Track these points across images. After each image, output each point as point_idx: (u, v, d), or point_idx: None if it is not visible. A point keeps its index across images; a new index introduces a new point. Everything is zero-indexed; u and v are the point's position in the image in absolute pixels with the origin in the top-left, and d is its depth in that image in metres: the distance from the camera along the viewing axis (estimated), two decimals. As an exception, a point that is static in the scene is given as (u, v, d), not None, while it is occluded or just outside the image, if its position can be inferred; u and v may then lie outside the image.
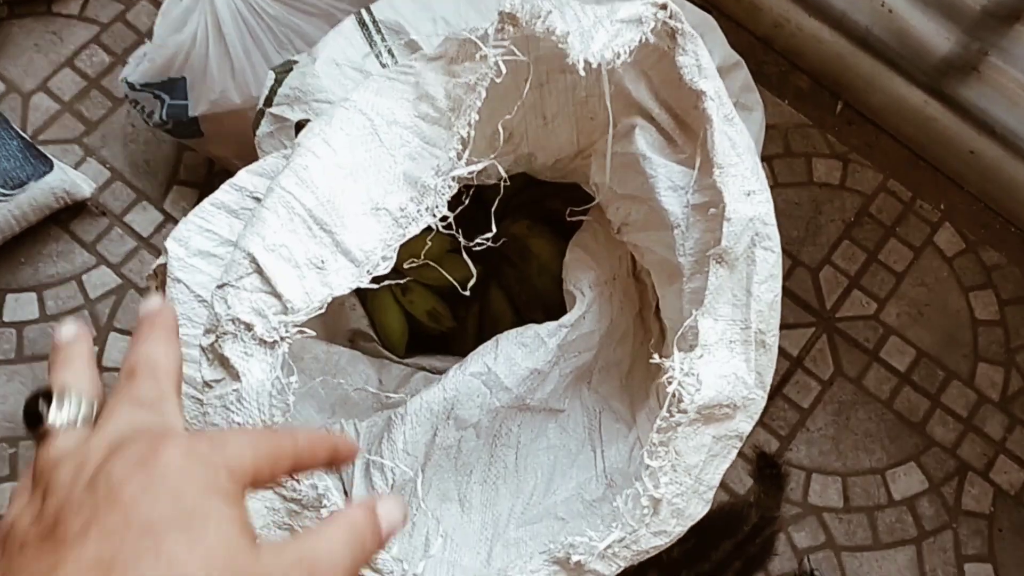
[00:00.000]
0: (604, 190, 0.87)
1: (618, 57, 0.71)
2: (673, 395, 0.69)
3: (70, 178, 1.36)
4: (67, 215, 1.39)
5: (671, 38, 0.73)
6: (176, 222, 1.38)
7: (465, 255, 0.81)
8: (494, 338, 0.87)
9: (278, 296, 0.65)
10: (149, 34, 1.32)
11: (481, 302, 1.03)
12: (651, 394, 0.87)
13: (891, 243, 1.43)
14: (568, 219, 0.93)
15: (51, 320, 1.35)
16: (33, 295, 1.36)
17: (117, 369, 1.32)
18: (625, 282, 0.92)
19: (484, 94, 0.71)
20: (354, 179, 0.71)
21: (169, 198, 1.41)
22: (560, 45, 0.69)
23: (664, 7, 0.71)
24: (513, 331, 0.86)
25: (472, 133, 0.72)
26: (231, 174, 1.42)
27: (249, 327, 0.64)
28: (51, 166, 1.34)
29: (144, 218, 1.40)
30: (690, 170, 0.78)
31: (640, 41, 0.72)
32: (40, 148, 1.36)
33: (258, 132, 0.99)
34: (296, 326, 0.64)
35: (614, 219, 0.88)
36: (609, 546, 0.67)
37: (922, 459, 1.35)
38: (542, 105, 0.84)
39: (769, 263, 0.75)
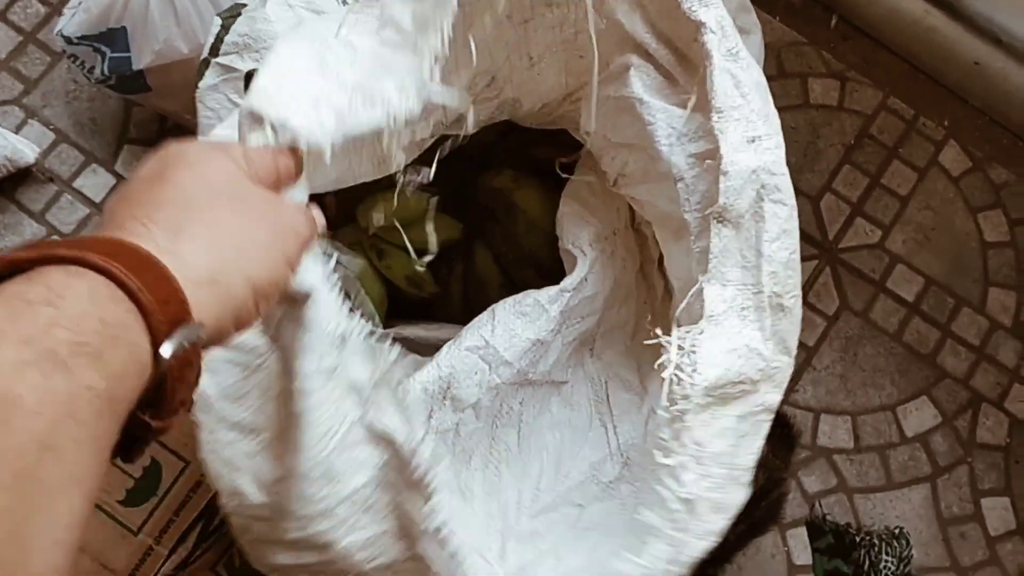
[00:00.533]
0: (596, 137, 0.78)
1: None
2: (670, 382, 0.61)
3: (11, 143, 1.25)
4: (11, 183, 1.29)
5: None
6: (130, 185, 1.29)
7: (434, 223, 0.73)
8: (490, 308, 0.78)
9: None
10: (84, -20, 1.20)
11: (465, 263, 0.94)
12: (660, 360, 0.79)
13: (894, 165, 1.35)
14: (559, 171, 0.84)
15: (3, 298, 1.25)
16: (-19, 272, 1.26)
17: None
18: (625, 236, 0.84)
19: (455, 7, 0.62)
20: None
21: (120, 158, 1.31)
22: None
23: None
24: (510, 299, 0.78)
25: (445, 52, 0.63)
26: (185, 130, 1.32)
27: None
28: (-12, 132, 1.23)
29: (95, 182, 1.30)
30: (695, 116, 0.69)
31: None
32: (-25, 112, 1.25)
33: (200, 85, 0.89)
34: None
35: (609, 170, 0.79)
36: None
37: (934, 392, 1.28)
38: (527, 44, 0.75)
39: (781, 217, 0.67)
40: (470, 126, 0.75)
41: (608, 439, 0.80)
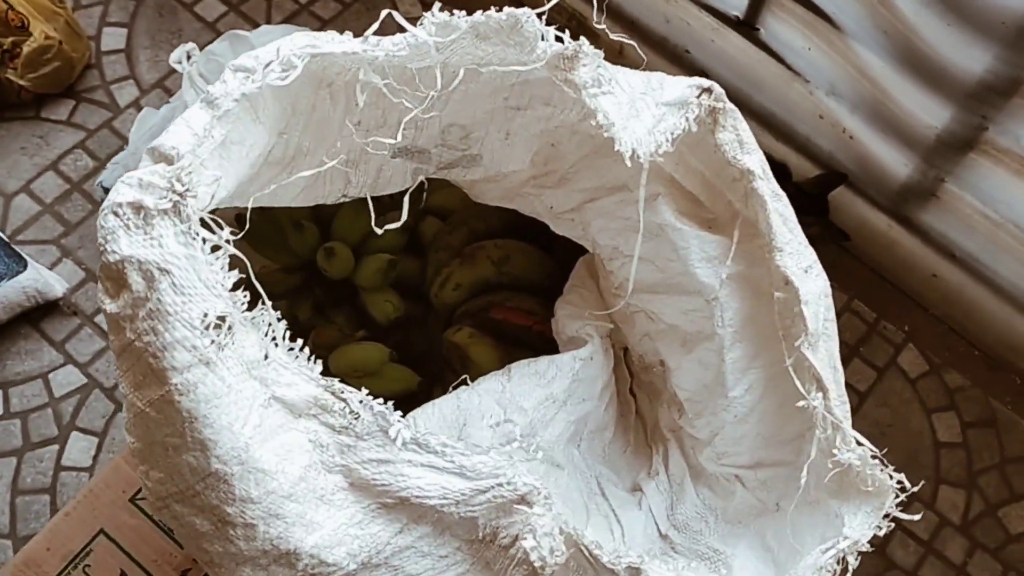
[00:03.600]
0: (605, 248, 0.88)
1: (659, 147, 0.72)
2: None
3: (43, 278, 1.38)
4: (38, 314, 1.41)
5: (711, 115, 0.74)
6: (144, 323, 1.40)
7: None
8: (506, 367, 0.86)
9: (165, 156, 0.60)
10: (131, 142, 1.36)
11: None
12: (653, 466, 0.87)
13: (855, 363, 1.44)
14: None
15: (14, 417, 1.35)
16: (-2, 392, 1.37)
17: (78, 468, 1.32)
18: (607, 346, 0.93)
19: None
20: None
21: (140, 299, 1.43)
22: (605, 134, 0.70)
23: (709, 91, 0.73)
24: (525, 360, 0.86)
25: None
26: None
27: (138, 207, 0.58)
28: (25, 265, 1.37)
29: (114, 318, 1.42)
30: (724, 239, 0.79)
31: (683, 131, 0.73)
32: (16, 248, 1.39)
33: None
34: (188, 173, 0.58)
35: (616, 276, 0.88)
36: None
37: (883, 584, 1.32)
38: (510, 123, 0.84)
39: (835, 332, 0.77)
40: (432, 166, 0.86)
41: (612, 529, 0.86)
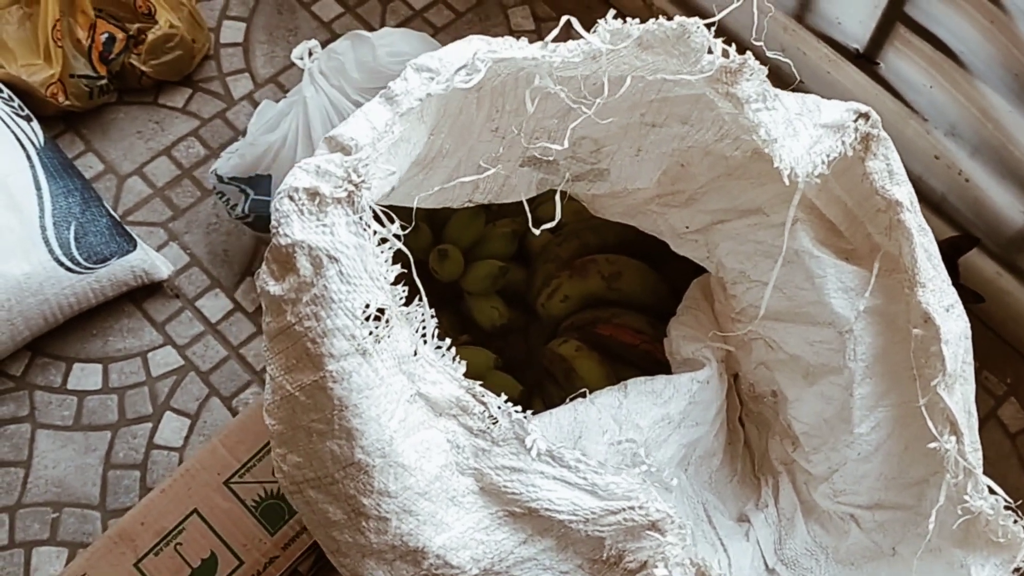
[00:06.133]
0: (731, 272, 0.87)
1: (815, 168, 0.71)
2: None
3: (151, 259, 1.41)
4: (142, 294, 1.44)
5: (863, 141, 0.74)
6: (244, 312, 1.43)
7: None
8: (622, 383, 0.86)
9: (342, 146, 0.60)
10: (245, 132, 1.38)
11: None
12: (761, 498, 0.86)
13: (953, 411, 1.40)
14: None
15: (112, 392, 1.38)
16: (99, 367, 1.39)
17: (169, 448, 1.35)
18: (724, 372, 0.93)
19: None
20: None
21: (241, 288, 1.46)
22: (766, 150, 0.70)
23: (866, 116, 0.72)
24: (640, 378, 0.85)
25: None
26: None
27: (313, 193, 0.58)
28: (135, 245, 1.40)
29: (215, 304, 1.44)
30: (863, 271, 0.78)
31: (839, 154, 0.72)
32: (127, 228, 1.42)
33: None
34: (364, 165, 0.58)
35: (739, 301, 0.88)
36: None
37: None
38: (642, 140, 0.84)
39: (972, 376, 0.75)
40: (560, 178, 0.86)
41: (719, 558, 0.85)
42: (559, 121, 0.82)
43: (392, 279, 0.60)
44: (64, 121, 1.54)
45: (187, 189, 1.52)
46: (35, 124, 1.42)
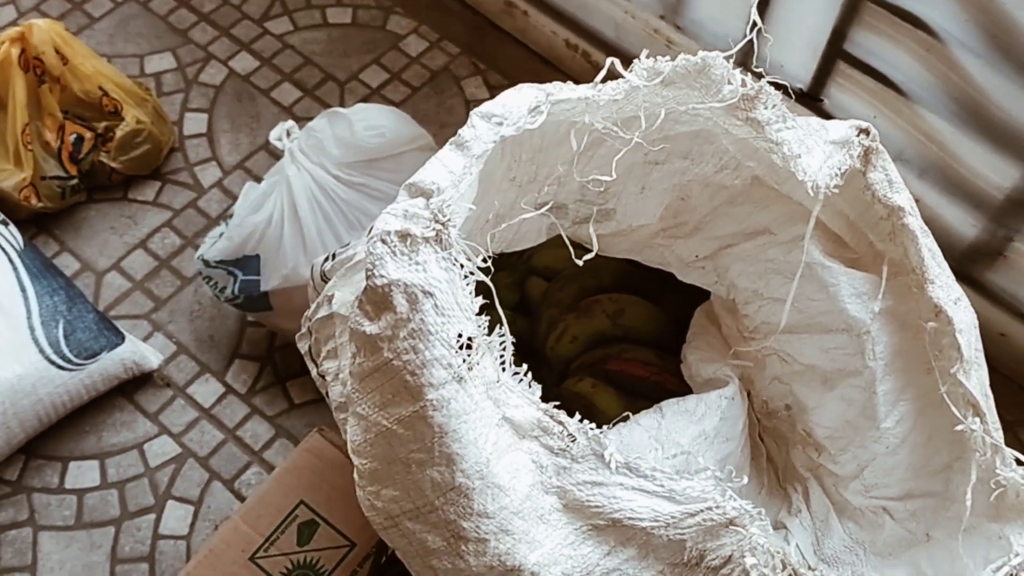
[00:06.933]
0: (743, 292, 0.92)
1: (832, 181, 0.77)
2: None
3: (140, 350, 1.41)
4: (132, 386, 1.44)
5: (864, 155, 0.80)
6: (237, 394, 1.43)
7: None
8: (657, 405, 0.89)
9: (423, 191, 0.64)
10: (219, 219, 1.41)
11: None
12: (793, 505, 0.90)
13: (930, 419, 1.47)
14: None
15: (111, 487, 1.37)
16: (95, 462, 1.38)
17: (176, 536, 1.33)
18: (743, 389, 0.97)
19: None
20: None
21: (231, 371, 1.46)
22: (791, 168, 0.75)
23: (867, 132, 0.78)
24: (672, 400, 0.90)
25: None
26: (294, 347, 1.48)
27: (404, 235, 0.62)
28: (123, 338, 1.40)
29: (206, 389, 1.45)
30: (872, 276, 0.83)
31: (848, 167, 0.79)
32: (112, 321, 1.43)
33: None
34: (448, 205, 0.62)
35: (751, 320, 0.92)
36: None
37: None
38: (646, 178, 0.89)
39: (984, 362, 0.81)
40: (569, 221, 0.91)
41: None
42: (567, 167, 0.87)
43: (477, 309, 0.64)
44: (35, 224, 1.55)
45: (166, 279, 1.54)
46: (12, 228, 1.43)
